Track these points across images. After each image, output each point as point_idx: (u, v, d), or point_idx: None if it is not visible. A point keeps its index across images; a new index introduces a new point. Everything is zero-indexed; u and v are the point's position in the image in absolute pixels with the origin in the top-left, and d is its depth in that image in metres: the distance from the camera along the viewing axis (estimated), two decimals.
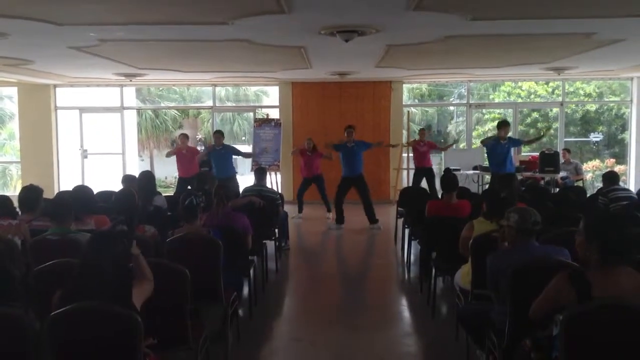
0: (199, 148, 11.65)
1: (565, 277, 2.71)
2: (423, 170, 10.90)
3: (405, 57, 9.02)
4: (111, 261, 2.71)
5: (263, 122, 12.79)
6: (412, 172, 11.46)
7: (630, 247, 2.73)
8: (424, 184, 10.75)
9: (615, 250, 2.69)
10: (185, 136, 10.78)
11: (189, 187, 9.45)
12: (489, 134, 10.24)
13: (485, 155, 10.27)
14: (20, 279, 2.78)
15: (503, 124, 9.45)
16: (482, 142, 10.01)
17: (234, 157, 10.42)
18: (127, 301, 2.68)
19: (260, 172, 7.99)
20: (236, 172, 10.44)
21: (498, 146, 9.26)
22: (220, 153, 9.93)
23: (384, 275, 7.06)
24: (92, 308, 2.62)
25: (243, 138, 24.05)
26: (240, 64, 9.77)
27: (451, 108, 22.63)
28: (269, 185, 9.69)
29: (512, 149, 9.66)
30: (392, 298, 6.26)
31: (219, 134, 10.16)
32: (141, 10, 5.60)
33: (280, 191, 11.13)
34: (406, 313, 5.64)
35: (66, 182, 12.67)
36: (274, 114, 13.39)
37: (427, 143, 11.12)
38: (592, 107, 19.25)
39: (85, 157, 13.41)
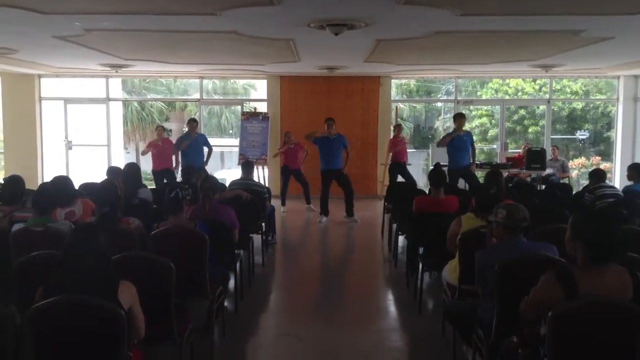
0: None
1: (552, 274, 2.71)
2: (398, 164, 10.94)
3: (395, 52, 8.99)
4: (94, 253, 2.66)
5: (251, 116, 12.73)
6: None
7: (615, 245, 2.73)
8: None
9: (599, 248, 2.69)
10: (162, 128, 10.99)
11: (165, 180, 9.41)
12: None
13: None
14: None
15: (459, 116, 9.46)
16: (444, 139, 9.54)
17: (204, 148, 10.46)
18: (111, 294, 2.62)
19: (247, 166, 7.92)
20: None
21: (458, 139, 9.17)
22: (195, 141, 10.12)
23: (371, 270, 7.05)
24: (74, 300, 2.56)
25: (230, 131, 23.89)
26: (228, 56, 9.68)
27: (439, 104, 22.66)
28: (255, 178, 9.65)
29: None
30: (379, 293, 6.26)
31: (193, 121, 10.39)
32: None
33: (267, 185, 11.08)
34: (392, 308, 5.63)
35: (50, 173, 12.45)
36: (262, 107, 13.30)
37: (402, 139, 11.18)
38: (579, 105, 19.37)
39: (70, 148, 13.22)
